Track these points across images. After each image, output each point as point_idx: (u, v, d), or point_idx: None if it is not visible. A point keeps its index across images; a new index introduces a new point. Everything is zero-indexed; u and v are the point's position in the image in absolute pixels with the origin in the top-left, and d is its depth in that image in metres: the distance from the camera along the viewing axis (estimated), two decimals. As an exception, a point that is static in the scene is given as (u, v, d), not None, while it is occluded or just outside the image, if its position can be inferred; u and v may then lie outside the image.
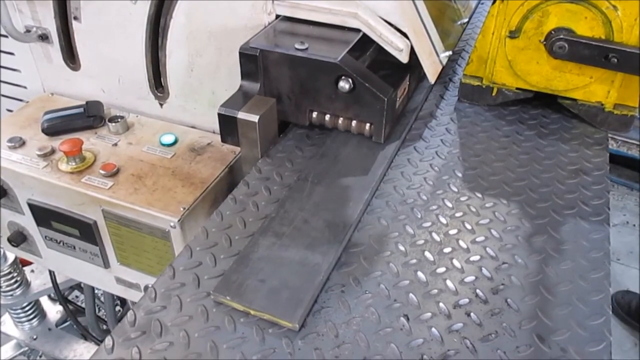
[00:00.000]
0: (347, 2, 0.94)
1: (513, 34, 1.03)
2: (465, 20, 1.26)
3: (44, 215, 1.11)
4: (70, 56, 1.22)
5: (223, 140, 0.96)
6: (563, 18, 0.98)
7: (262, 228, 0.84)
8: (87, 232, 1.08)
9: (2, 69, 1.33)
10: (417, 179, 0.96)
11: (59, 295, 1.46)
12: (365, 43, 0.97)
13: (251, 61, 0.94)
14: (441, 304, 0.74)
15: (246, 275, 0.76)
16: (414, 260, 0.80)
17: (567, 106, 1.09)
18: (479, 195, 0.92)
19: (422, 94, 1.16)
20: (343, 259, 0.81)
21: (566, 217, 0.88)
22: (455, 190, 0.94)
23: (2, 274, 1.43)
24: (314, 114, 0.98)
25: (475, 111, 1.15)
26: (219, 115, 0.93)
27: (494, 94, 1.13)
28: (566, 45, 0.97)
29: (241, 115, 0.92)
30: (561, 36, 0.97)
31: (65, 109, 1.20)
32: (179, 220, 0.96)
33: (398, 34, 0.94)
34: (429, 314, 0.73)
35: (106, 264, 1.14)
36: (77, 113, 1.18)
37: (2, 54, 1.29)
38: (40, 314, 1.61)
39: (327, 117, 0.97)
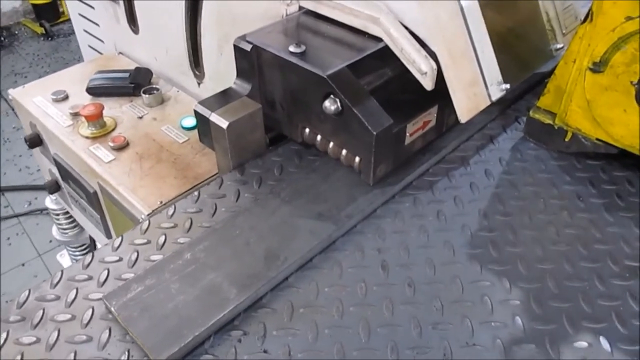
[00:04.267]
0: (371, 2, 0.77)
1: (596, 67, 0.76)
2: (560, 45, 0.97)
3: (64, 173, 1.13)
4: (132, 19, 1.22)
5: (200, 139, 0.86)
6: (669, 55, 0.69)
7: (197, 239, 0.74)
8: (91, 199, 1.07)
9: (85, 20, 1.39)
10: (411, 225, 0.77)
11: (92, 243, 1.53)
12: (390, 56, 0.78)
13: (244, 57, 0.81)
14: (339, 398, 0.57)
15: (147, 289, 0.67)
16: (346, 329, 0.63)
17: (663, 177, 0.79)
18: (477, 267, 0.70)
19: (480, 125, 0.94)
20: (265, 299, 0.67)
21: (582, 331, 0.63)
22: (450, 252, 0.73)
23: (61, 212, 1.53)
24: (307, 131, 0.83)
25: (539, 156, 0.89)
26: (194, 111, 0.83)
27: (567, 139, 0.86)
28: (662, 94, 0.68)
29: (213, 117, 0.80)
30: (659, 80, 0.69)
31: (115, 72, 1.20)
32: (149, 215, 0.90)
33: (424, 52, 0.74)
34: (318, 406, 0.56)
35: (107, 234, 1.13)
36: (122, 78, 1.18)
37: (85, 6, 1.35)
38: (94, 254, 1.71)
39: (319, 138, 0.82)
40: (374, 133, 0.71)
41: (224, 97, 0.83)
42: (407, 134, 0.79)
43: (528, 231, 0.76)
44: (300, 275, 0.70)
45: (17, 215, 2.45)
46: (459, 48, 0.76)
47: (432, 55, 0.74)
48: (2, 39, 4.07)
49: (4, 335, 0.63)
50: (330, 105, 0.72)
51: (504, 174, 0.86)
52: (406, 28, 0.75)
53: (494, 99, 0.81)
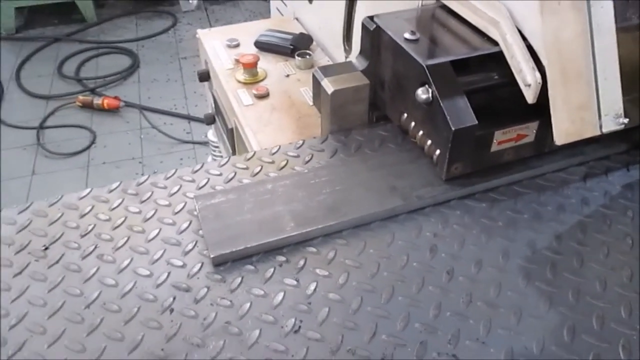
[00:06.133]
0: (497, 5, 0.77)
1: None
2: None
3: (217, 108, 1.33)
4: (310, -11, 1.36)
5: (313, 101, 0.95)
6: None
7: (282, 176, 0.84)
8: (228, 135, 1.25)
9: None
10: (477, 224, 0.77)
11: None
12: (502, 62, 0.77)
13: (367, 35, 0.88)
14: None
15: (227, 201, 0.79)
16: (372, 287, 0.69)
17: None
18: (525, 280, 0.69)
19: (598, 154, 0.88)
20: (316, 241, 0.75)
21: (604, 373, 0.59)
22: (503, 259, 0.72)
23: (213, 144, 1.78)
24: (404, 116, 0.87)
25: (654, 203, 0.81)
26: (312, 75, 0.92)
27: (690, 193, 0.78)
28: None
29: (324, 82, 0.89)
30: None
31: (282, 32, 1.36)
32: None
33: (532, 63, 0.72)
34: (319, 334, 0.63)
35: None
36: (285, 39, 1.33)
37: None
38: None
39: (412, 125, 0.85)
40: (453, 129, 0.73)
41: (341, 68, 0.92)
42: (495, 141, 0.79)
43: (598, 266, 0.71)
44: (354, 233, 0.77)
45: (193, 142, 2.86)
46: (575, 68, 0.73)
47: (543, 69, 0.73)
48: (231, -7, 4.67)
49: (119, 200, 0.81)
50: (422, 93, 0.76)
51: (602, 207, 0.80)
52: (525, 38, 0.75)
53: (605, 130, 0.76)
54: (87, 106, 3.04)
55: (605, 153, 0.89)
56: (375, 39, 0.87)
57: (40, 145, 2.80)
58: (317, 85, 0.91)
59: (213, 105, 1.41)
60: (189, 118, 3.02)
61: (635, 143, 0.90)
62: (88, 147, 2.81)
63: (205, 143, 2.81)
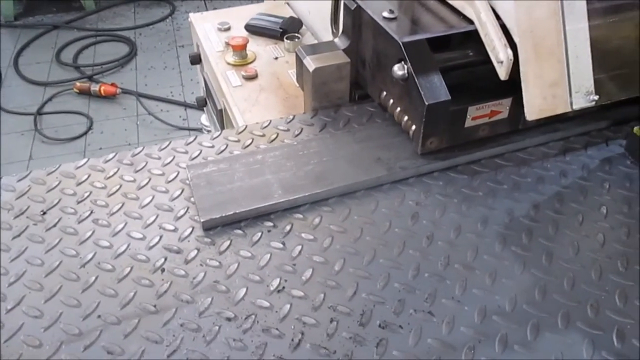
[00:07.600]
0: (473, -16, 0.80)
1: None
2: None
3: (207, 90, 1.35)
4: (299, -27, 1.38)
5: (297, 79, 0.98)
6: None
7: (272, 147, 0.87)
8: (218, 115, 1.27)
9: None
10: (458, 194, 0.80)
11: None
12: (477, 40, 0.80)
13: (349, 15, 0.90)
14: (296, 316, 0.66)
15: (219, 170, 0.82)
16: (355, 250, 0.72)
17: None
18: (501, 245, 0.73)
19: (579, 130, 0.91)
20: (303, 208, 0.78)
21: (572, 330, 0.63)
22: (482, 226, 0.75)
23: (206, 128, 1.80)
24: (384, 94, 0.89)
25: (629, 175, 0.84)
26: (295, 53, 0.95)
27: (664, 166, 0.81)
28: None
29: (305, 60, 0.92)
30: None
31: (272, 16, 1.38)
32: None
33: (504, 40, 0.75)
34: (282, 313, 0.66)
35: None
36: (275, 22, 1.35)
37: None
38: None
39: (391, 102, 0.88)
40: (426, 103, 0.76)
41: (324, 47, 0.94)
42: (469, 117, 0.81)
43: (572, 233, 0.75)
44: (339, 201, 0.80)
45: (189, 129, 2.88)
46: (546, 46, 0.76)
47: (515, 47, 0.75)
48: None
49: (114, 169, 0.84)
50: (398, 69, 0.79)
51: (580, 179, 0.84)
52: (499, 17, 0.77)
53: (575, 107, 0.79)
54: (85, 93, 3.05)
55: (585, 129, 0.92)
56: (356, 18, 0.90)
57: (38, 130, 2.82)
58: (299, 63, 0.94)
59: (204, 88, 1.43)
60: (185, 105, 3.04)
61: (618, 118, 0.93)
62: (85, 133, 2.83)
63: (200, 129, 2.83)
